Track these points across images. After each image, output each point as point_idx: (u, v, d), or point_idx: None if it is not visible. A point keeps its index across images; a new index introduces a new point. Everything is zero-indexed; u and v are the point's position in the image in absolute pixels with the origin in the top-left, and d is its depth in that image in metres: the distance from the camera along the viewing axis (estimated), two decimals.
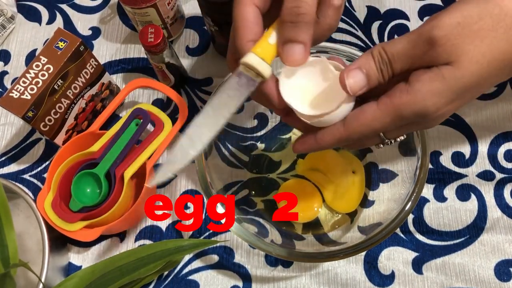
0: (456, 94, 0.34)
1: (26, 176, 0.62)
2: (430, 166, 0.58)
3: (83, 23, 0.69)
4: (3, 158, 0.63)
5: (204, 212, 0.58)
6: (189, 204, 0.59)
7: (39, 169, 0.62)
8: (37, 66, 0.53)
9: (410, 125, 0.36)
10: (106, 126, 0.61)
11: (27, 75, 0.53)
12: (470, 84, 0.33)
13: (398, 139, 0.39)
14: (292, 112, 0.39)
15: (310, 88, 0.38)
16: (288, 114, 0.40)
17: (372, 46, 0.64)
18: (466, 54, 0.32)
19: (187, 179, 0.60)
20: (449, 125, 0.59)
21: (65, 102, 0.56)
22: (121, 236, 0.58)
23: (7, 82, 0.67)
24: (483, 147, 0.58)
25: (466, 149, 0.58)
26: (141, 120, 0.55)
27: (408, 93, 0.34)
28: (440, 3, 0.65)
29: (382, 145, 0.39)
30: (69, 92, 0.56)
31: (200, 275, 0.56)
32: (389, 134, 0.38)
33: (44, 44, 0.68)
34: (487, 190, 0.57)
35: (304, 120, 0.37)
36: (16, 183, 0.57)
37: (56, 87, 0.54)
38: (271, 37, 0.36)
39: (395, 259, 0.55)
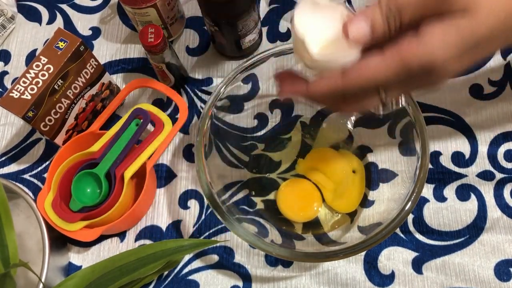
0: (469, 48, 0.31)
1: (26, 176, 0.62)
2: (430, 166, 0.58)
3: (83, 23, 0.69)
4: (3, 158, 0.63)
5: (204, 212, 0.58)
6: (188, 203, 0.59)
7: (39, 169, 0.62)
8: (37, 66, 0.53)
9: (414, 81, 0.33)
10: (106, 126, 0.61)
11: (27, 75, 0.53)
12: (483, 38, 0.31)
13: (398, 105, 0.36)
14: (291, 77, 0.36)
15: (324, 31, 0.35)
16: (285, 79, 0.37)
17: None
18: (485, 4, 0.30)
19: (187, 179, 0.60)
20: (449, 125, 0.59)
21: (65, 102, 0.56)
22: (121, 236, 0.58)
23: (7, 82, 0.67)
24: (483, 147, 0.58)
25: (466, 149, 0.58)
26: (141, 120, 0.55)
27: (418, 43, 0.31)
28: None
29: (381, 108, 0.36)
30: (69, 92, 0.56)
31: (200, 275, 0.56)
32: (390, 91, 0.34)
33: (44, 44, 0.68)
34: (487, 190, 0.57)
35: (306, 68, 0.35)
36: (16, 183, 0.57)
37: (56, 87, 0.54)
38: None
39: (395, 259, 0.55)
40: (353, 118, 0.58)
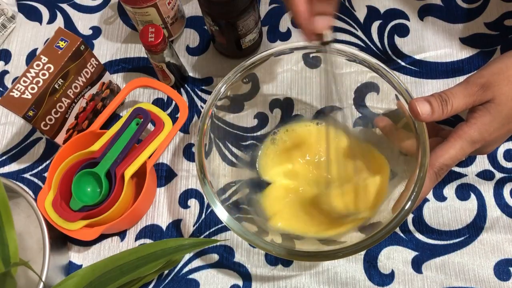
0: (501, 123, 0.45)
1: (27, 175, 0.62)
2: None
3: (84, 23, 0.69)
4: (3, 157, 0.63)
5: (204, 211, 0.58)
6: (189, 203, 0.59)
7: (39, 168, 0.62)
8: (38, 65, 0.53)
9: (473, 152, 0.47)
10: (106, 125, 0.61)
11: (28, 74, 0.53)
12: (509, 114, 0.45)
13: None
14: None
15: None
16: None
17: (372, 46, 0.64)
18: (503, 93, 0.44)
19: (187, 178, 0.60)
20: (449, 125, 0.59)
21: (65, 101, 0.56)
22: (122, 235, 0.58)
23: (7, 81, 0.67)
24: None
25: None
26: (142, 120, 0.56)
27: (467, 126, 0.45)
28: (440, 3, 0.66)
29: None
30: (70, 92, 0.56)
31: (200, 274, 0.56)
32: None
33: (44, 43, 0.68)
34: (487, 189, 0.57)
35: None
36: (17, 182, 0.58)
37: (56, 86, 0.54)
38: None
39: (394, 258, 0.55)
40: (353, 117, 0.58)
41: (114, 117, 0.63)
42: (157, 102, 0.64)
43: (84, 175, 0.55)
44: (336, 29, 0.65)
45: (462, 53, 0.63)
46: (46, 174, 0.61)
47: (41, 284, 0.51)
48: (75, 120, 0.59)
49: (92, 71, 0.58)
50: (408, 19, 0.65)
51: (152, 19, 0.61)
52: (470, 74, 0.47)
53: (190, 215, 0.58)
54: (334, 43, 0.46)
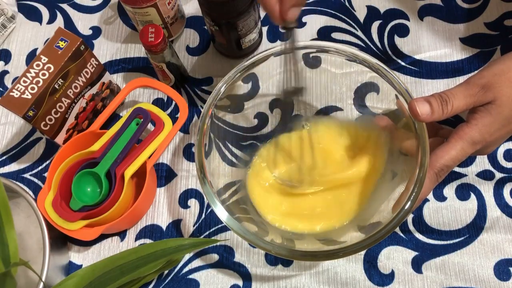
0: (502, 124, 0.45)
1: (27, 175, 0.62)
2: None
3: (84, 23, 0.69)
4: (3, 157, 0.63)
5: (204, 211, 0.58)
6: (189, 203, 0.59)
7: (39, 168, 0.62)
8: (38, 65, 0.53)
9: (474, 152, 0.47)
10: (106, 125, 0.61)
11: (28, 74, 0.53)
12: (509, 115, 0.45)
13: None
14: None
15: None
16: None
17: (372, 46, 0.64)
18: (504, 94, 0.45)
19: (187, 178, 0.60)
20: (449, 125, 0.59)
21: (65, 101, 0.56)
22: (122, 235, 0.58)
23: (7, 81, 0.67)
24: None
25: None
26: (142, 120, 0.56)
27: (468, 127, 0.45)
28: (440, 3, 0.66)
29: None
30: (70, 92, 0.56)
31: (200, 274, 0.56)
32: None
33: (44, 43, 0.68)
34: (487, 189, 0.57)
35: None
36: (17, 182, 0.58)
37: (56, 86, 0.54)
38: None
39: (394, 258, 0.55)
40: (353, 117, 0.58)
41: (114, 117, 0.63)
42: (157, 102, 0.64)
43: (84, 175, 0.55)
44: (336, 29, 0.65)
45: (462, 53, 0.63)
46: (46, 174, 0.61)
47: (41, 284, 0.51)
48: (75, 120, 0.59)
49: (92, 71, 0.58)
50: (408, 19, 0.65)
51: (152, 19, 0.61)
52: (470, 75, 0.47)
53: (190, 215, 0.58)
54: (295, 28, 0.47)
